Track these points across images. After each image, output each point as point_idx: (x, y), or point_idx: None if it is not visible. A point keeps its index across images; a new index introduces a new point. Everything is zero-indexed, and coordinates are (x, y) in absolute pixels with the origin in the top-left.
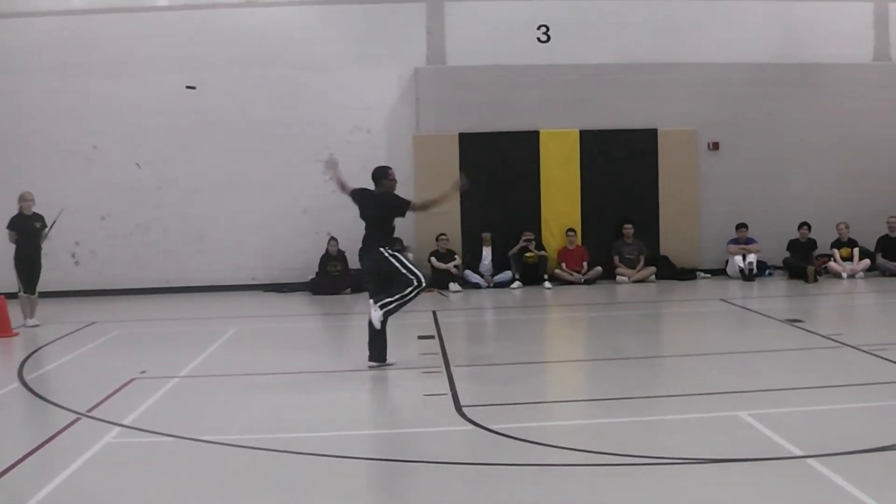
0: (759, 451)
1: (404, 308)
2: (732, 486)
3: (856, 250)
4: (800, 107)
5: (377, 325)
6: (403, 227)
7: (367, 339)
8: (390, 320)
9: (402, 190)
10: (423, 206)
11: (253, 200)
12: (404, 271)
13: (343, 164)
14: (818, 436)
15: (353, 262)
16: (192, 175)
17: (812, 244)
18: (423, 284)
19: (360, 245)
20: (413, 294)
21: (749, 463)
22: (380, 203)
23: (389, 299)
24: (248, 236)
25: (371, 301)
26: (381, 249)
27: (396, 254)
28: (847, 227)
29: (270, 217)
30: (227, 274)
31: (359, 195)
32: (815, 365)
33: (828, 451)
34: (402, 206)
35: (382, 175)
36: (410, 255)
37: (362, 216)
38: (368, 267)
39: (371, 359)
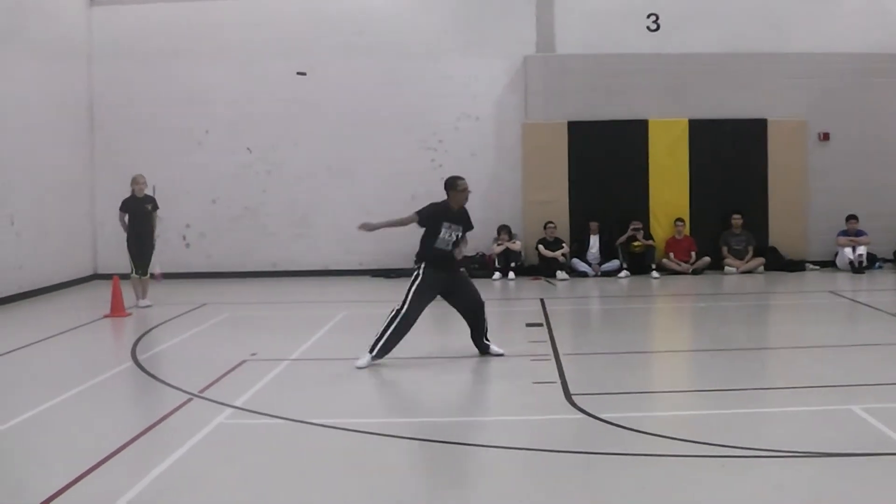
0: (873, 446)
1: (511, 295)
2: (844, 481)
3: None
4: None
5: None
6: (510, 214)
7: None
8: (499, 307)
9: (512, 177)
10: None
11: (360, 186)
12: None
13: (453, 151)
14: None
15: None
16: (299, 160)
17: None
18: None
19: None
20: None
21: (862, 458)
22: (465, 217)
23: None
24: (356, 221)
25: (481, 337)
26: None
27: None
28: None
29: (378, 202)
30: (335, 258)
31: (443, 211)
32: None
33: None
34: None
35: (452, 185)
36: (518, 243)
37: (447, 233)
38: (461, 283)
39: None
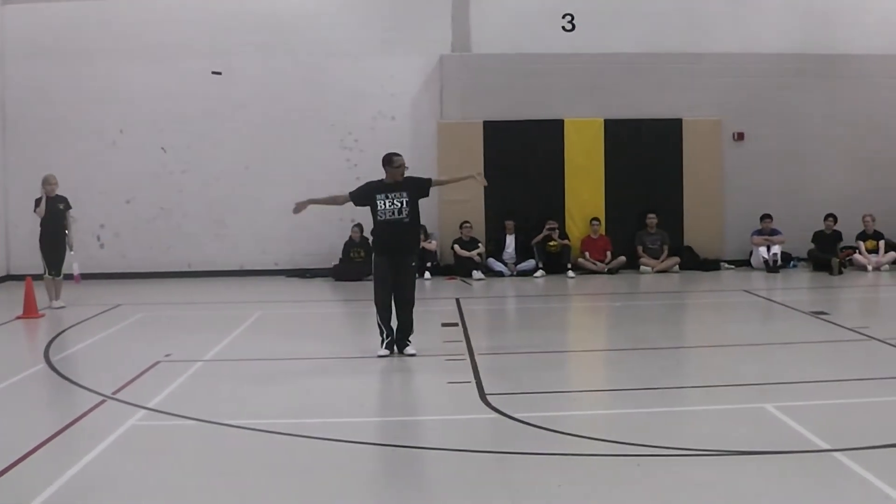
0: (786, 443)
1: (427, 295)
2: (758, 478)
3: (881, 242)
4: (827, 97)
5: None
6: (426, 214)
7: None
8: (415, 307)
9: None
10: (441, 182)
11: (277, 186)
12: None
13: (369, 151)
14: (845, 429)
15: None
16: (216, 160)
17: (837, 236)
18: None
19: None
20: None
21: (775, 455)
22: (411, 182)
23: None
24: (272, 221)
25: (405, 337)
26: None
27: None
28: (873, 219)
29: (294, 203)
30: (251, 259)
31: (376, 185)
32: (840, 358)
33: (855, 444)
34: (425, 185)
35: (387, 162)
36: (434, 243)
37: (386, 203)
38: (403, 275)
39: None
